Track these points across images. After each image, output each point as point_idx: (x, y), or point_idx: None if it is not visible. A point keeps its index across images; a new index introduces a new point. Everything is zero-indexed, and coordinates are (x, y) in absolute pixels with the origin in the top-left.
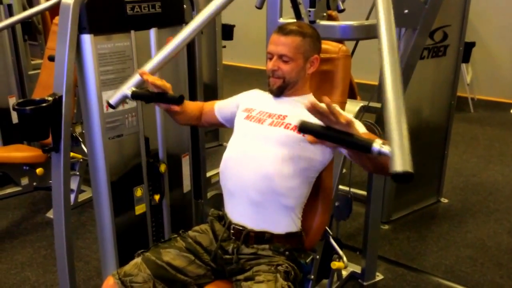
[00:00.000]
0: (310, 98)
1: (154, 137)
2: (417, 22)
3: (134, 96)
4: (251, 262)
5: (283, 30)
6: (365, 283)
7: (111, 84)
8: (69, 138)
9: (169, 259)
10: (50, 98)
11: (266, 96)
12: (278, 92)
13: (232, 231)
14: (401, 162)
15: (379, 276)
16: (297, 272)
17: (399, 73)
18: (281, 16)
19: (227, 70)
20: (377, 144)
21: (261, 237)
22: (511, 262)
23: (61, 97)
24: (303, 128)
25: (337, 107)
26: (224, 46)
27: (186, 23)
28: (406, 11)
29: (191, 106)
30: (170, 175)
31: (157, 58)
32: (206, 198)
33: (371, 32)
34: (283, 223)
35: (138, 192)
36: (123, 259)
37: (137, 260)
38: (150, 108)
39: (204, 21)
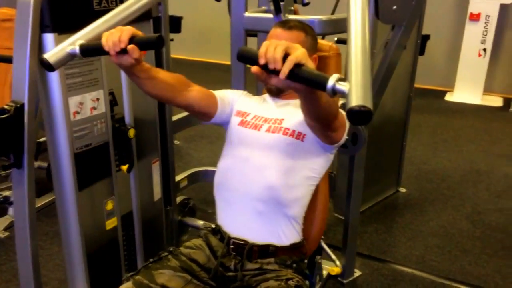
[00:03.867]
0: None
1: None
2: (404, 18)
3: (84, 50)
4: (257, 278)
5: (285, 24)
6: (345, 281)
7: (77, 88)
8: (33, 151)
9: (163, 281)
10: (10, 107)
11: (258, 99)
12: (279, 92)
13: (232, 245)
14: (358, 96)
15: (357, 273)
16: (306, 285)
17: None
18: (246, 9)
19: (175, 63)
20: (333, 80)
21: (265, 250)
22: (475, 248)
23: (22, 105)
24: (243, 56)
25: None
26: (172, 39)
27: (154, 18)
28: (395, 7)
29: (169, 74)
30: (140, 183)
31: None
32: (175, 204)
33: (339, 27)
34: (288, 234)
35: (109, 205)
36: (94, 279)
37: (127, 285)
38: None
39: None
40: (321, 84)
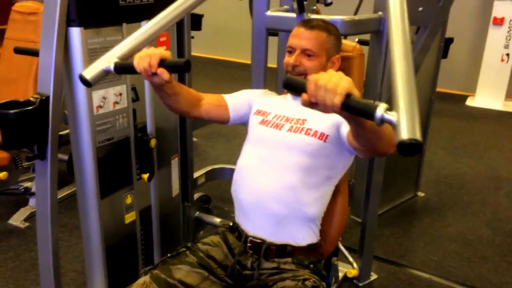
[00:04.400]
0: None
1: None
2: (430, 20)
3: (119, 69)
4: (273, 277)
5: (307, 23)
6: (360, 284)
7: (101, 82)
8: (57, 143)
9: (181, 276)
10: (35, 99)
11: (280, 97)
12: None
13: (249, 244)
14: (408, 129)
15: (373, 276)
16: (323, 286)
17: (408, 38)
18: (268, 8)
19: (194, 61)
20: (381, 109)
21: (283, 250)
22: (495, 256)
23: (48, 97)
24: (290, 85)
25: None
26: (193, 37)
27: None
28: (421, 8)
29: (187, 90)
30: (159, 178)
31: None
32: (193, 201)
33: (362, 28)
34: (305, 234)
35: (128, 199)
36: (111, 272)
37: (145, 278)
38: (141, 107)
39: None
40: (369, 113)
